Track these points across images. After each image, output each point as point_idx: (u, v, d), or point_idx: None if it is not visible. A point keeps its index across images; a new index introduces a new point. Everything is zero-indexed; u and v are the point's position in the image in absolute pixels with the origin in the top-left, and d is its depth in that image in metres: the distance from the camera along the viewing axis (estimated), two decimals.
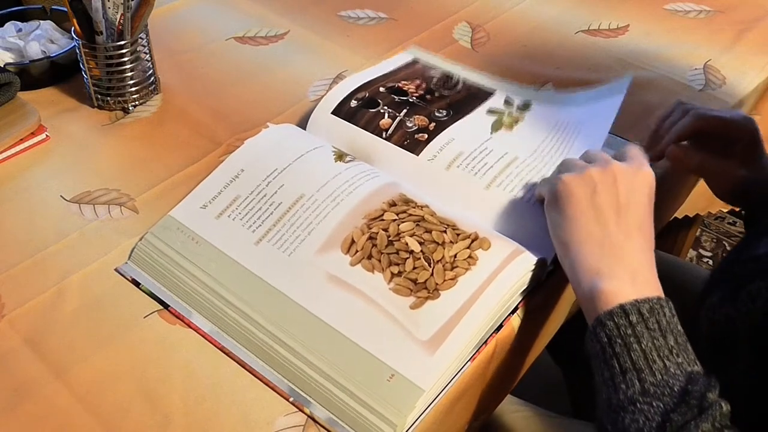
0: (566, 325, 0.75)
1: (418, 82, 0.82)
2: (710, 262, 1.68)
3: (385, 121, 0.76)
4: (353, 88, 0.80)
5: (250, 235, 0.65)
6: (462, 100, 0.79)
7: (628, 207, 0.58)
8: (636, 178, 0.60)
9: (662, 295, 0.55)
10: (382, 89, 0.80)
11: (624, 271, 0.55)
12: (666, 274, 0.90)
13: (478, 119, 0.77)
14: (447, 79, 0.82)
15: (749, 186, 0.71)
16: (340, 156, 0.71)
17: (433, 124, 0.75)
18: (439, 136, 0.74)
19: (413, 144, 0.73)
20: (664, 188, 0.73)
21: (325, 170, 0.69)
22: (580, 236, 0.58)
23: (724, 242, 1.72)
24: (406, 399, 0.55)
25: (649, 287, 0.55)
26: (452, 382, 0.58)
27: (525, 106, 0.79)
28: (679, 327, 0.53)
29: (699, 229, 1.70)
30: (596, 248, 0.57)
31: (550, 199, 0.61)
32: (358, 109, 0.77)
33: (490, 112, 0.78)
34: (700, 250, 1.70)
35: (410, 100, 0.79)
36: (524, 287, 0.63)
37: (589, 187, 0.59)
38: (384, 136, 0.75)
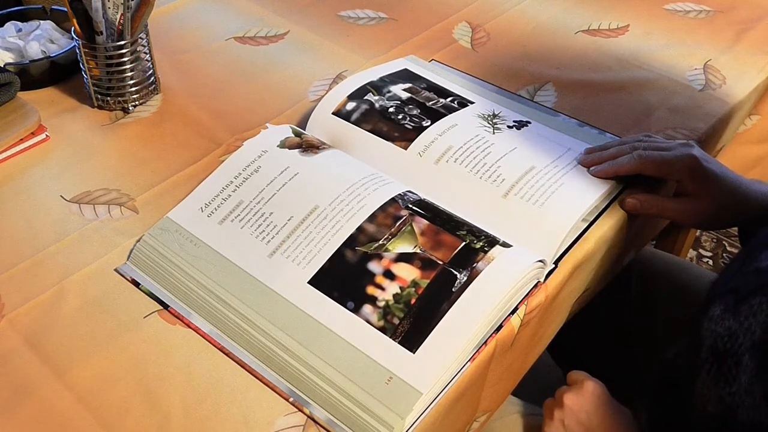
0: (566, 326, 0.76)
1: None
2: (710, 262, 1.68)
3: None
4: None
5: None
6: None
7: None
8: (588, 399, 0.67)
9: None
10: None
11: None
12: (666, 274, 0.91)
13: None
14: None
15: (721, 213, 0.72)
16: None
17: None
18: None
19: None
20: (639, 219, 0.74)
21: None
22: None
23: (724, 242, 1.72)
24: (404, 402, 0.55)
25: None
26: (452, 382, 0.58)
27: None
28: None
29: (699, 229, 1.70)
30: None
31: None
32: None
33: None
34: (700, 250, 1.70)
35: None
36: (524, 287, 0.63)
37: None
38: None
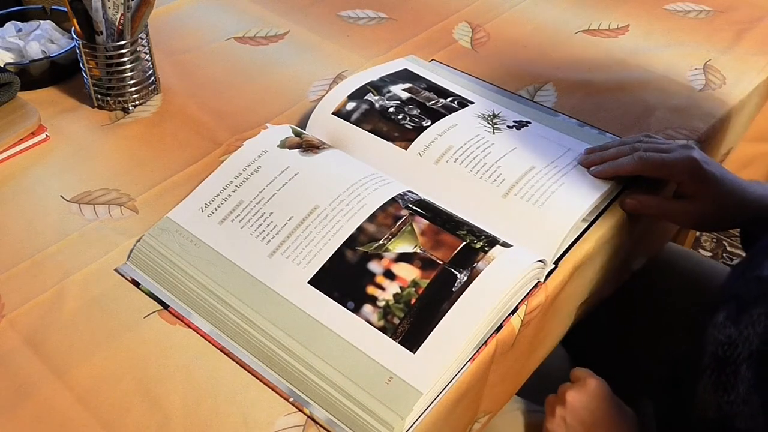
0: (579, 325, 0.76)
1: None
2: None
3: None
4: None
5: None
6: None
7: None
8: (590, 397, 0.67)
9: None
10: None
11: None
12: (668, 265, 0.91)
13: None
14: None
15: (720, 214, 0.72)
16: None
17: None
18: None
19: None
20: (642, 221, 0.74)
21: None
22: None
23: (724, 242, 1.72)
24: (404, 402, 0.55)
25: None
26: (452, 382, 0.58)
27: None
28: None
29: None
30: None
31: None
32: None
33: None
34: (700, 251, 1.70)
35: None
36: (524, 287, 0.63)
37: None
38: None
